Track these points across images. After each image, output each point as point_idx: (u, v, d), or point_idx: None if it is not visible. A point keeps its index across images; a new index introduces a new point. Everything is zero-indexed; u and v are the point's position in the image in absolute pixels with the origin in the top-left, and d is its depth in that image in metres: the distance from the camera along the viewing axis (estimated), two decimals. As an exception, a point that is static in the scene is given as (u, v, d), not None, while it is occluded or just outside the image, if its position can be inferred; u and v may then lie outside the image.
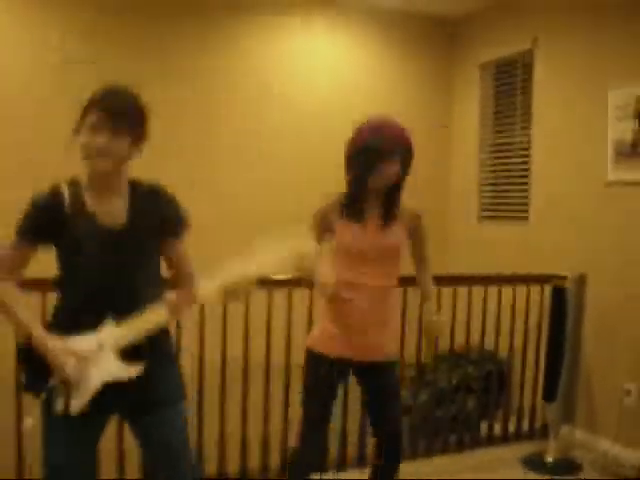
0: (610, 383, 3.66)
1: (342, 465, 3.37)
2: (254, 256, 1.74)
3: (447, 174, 5.14)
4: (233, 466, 3.27)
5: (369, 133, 2.24)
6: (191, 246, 1.96)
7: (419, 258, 2.49)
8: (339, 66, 4.76)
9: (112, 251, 1.76)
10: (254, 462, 3.31)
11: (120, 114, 1.73)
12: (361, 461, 3.43)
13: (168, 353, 1.94)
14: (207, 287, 1.77)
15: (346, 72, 4.78)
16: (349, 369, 2.39)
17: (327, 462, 3.14)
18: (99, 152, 1.71)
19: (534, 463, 3.53)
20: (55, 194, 1.75)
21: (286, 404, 3.31)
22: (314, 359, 2.34)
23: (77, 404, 1.75)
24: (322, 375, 2.31)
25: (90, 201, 1.77)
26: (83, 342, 1.74)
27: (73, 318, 1.77)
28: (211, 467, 3.24)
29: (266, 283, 3.24)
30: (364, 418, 3.36)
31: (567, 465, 3.52)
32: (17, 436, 2.81)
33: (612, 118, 3.67)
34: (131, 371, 1.76)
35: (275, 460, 3.33)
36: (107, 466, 3.01)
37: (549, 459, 3.54)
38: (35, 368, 1.76)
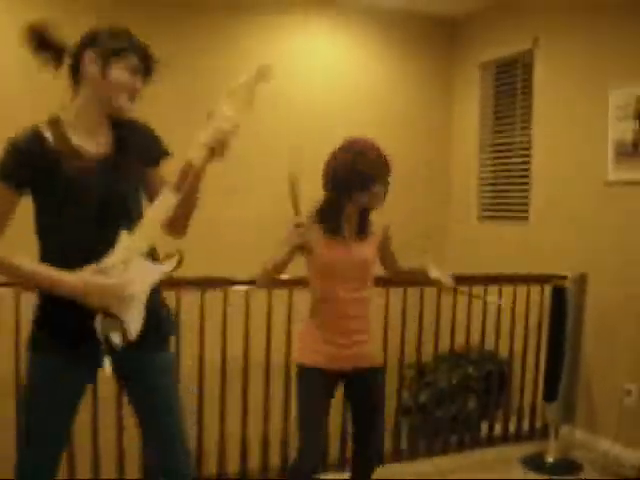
0: (610, 383, 3.66)
1: (342, 465, 3.36)
2: (220, 105, 1.78)
3: (447, 174, 5.14)
4: (233, 466, 3.28)
5: (361, 154, 2.28)
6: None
7: (391, 264, 2.55)
8: (339, 66, 4.76)
9: (105, 180, 1.75)
10: (254, 462, 3.31)
11: (152, 64, 1.83)
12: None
13: (167, 331, 1.95)
14: (193, 150, 1.77)
15: (346, 72, 4.78)
16: (338, 380, 2.40)
17: (326, 463, 3.15)
18: (133, 95, 1.77)
19: (534, 463, 3.53)
20: (37, 135, 1.72)
21: (286, 403, 3.31)
22: (305, 372, 2.37)
23: (134, 326, 1.72)
24: (314, 387, 2.34)
25: (75, 138, 1.75)
26: (109, 262, 1.68)
27: (72, 259, 1.69)
28: (211, 467, 3.24)
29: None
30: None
31: (567, 465, 3.52)
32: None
33: (612, 118, 3.67)
34: (167, 267, 1.77)
35: (275, 460, 3.33)
36: (107, 466, 3.02)
37: (549, 459, 3.54)
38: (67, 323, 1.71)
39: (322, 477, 2.65)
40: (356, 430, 2.46)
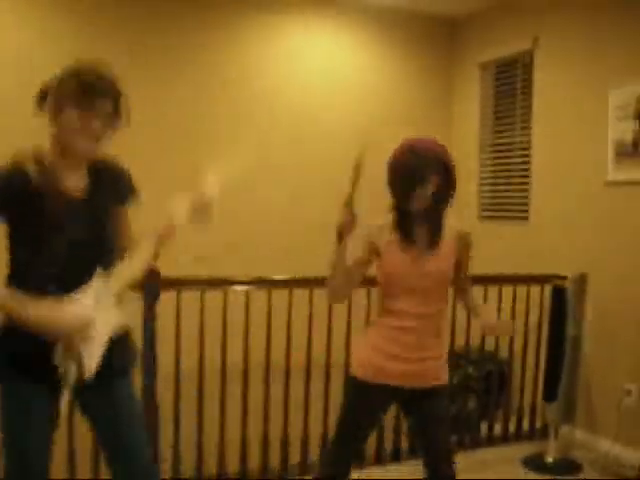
0: (610, 383, 3.66)
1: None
2: (210, 178, 1.91)
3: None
4: (233, 467, 3.27)
5: (399, 156, 2.14)
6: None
7: (463, 278, 2.38)
8: (338, 65, 4.75)
9: (80, 220, 1.78)
10: (254, 463, 3.30)
11: (116, 101, 1.78)
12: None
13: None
14: (177, 209, 1.85)
15: (346, 71, 4.77)
16: (397, 397, 2.27)
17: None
18: (93, 136, 1.75)
19: (534, 463, 3.52)
20: (20, 171, 1.72)
21: (286, 404, 3.32)
22: (363, 388, 2.21)
23: (91, 365, 1.73)
24: (371, 405, 2.23)
25: (57, 175, 1.77)
26: (78, 300, 1.71)
27: (45, 293, 1.71)
28: (211, 467, 3.23)
29: (266, 283, 3.26)
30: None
31: (567, 465, 3.52)
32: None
33: (612, 118, 3.67)
34: (128, 315, 1.83)
35: (275, 461, 3.33)
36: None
37: (549, 459, 3.54)
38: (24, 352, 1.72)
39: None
40: (425, 450, 2.24)
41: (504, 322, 2.44)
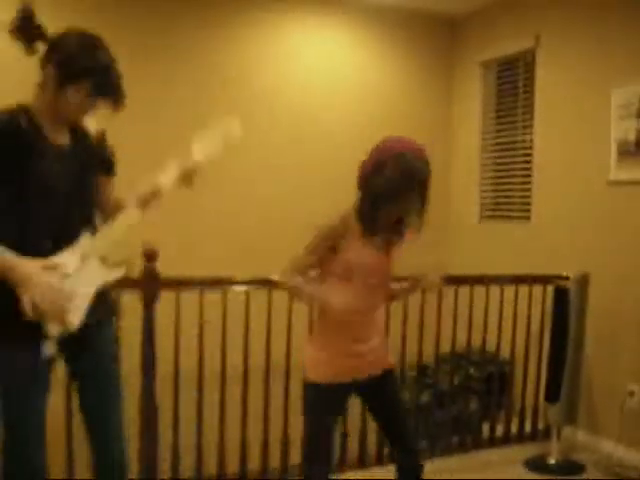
0: (613, 384, 3.64)
1: (342, 465, 3.34)
2: (195, 144, 2.00)
3: (448, 173, 5.11)
4: (232, 467, 3.25)
5: (379, 170, 2.05)
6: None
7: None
8: (339, 64, 4.74)
9: (68, 173, 1.82)
10: (254, 464, 3.29)
11: (115, 84, 1.84)
12: (361, 463, 3.42)
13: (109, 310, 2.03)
14: (165, 175, 1.95)
15: (346, 70, 4.76)
16: (353, 389, 2.28)
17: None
18: (87, 112, 1.83)
19: (537, 465, 3.50)
20: (13, 118, 1.75)
21: (286, 405, 3.30)
22: (324, 392, 2.21)
23: (74, 320, 1.78)
24: (335, 405, 2.25)
25: (44, 128, 1.80)
26: (65, 258, 1.75)
27: (30, 243, 1.73)
28: (210, 469, 3.21)
29: (266, 283, 3.24)
30: (363, 420, 3.35)
31: (570, 467, 3.50)
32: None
33: (615, 117, 3.65)
34: (115, 274, 1.89)
35: (275, 462, 3.31)
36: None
37: (552, 461, 3.52)
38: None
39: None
40: (390, 431, 2.32)
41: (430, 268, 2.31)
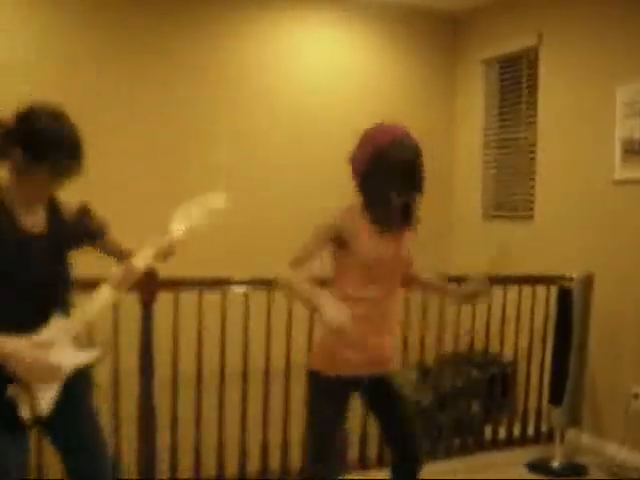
0: (617, 386, 3.60)
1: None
2: (174, 222, 1.97)
3: (451, 172, 5.06)
4: (231, 468, 3.22)
5: (379, 159, 2.07)
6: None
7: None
8: (340, 63, 4.71)
9: (39, 258, 1.78)
10: (253, 464, 3.26)
11: (72, 151, 1.72)
12: (362, 464, 3.39)
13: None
14: (140, 255, 1.92)
15: (348, 68, 4.73)
16: (359, 387, 2.24)
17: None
18: (41, 187, 1.75)
19: (540, 468, 3.46)
20: None
21: (286, 405, 3.27)
22: (325, 383, 2.17)
23: (45, 403, 1.75)
24: (336, 399, 2.18)
25: (16, 212, 1.76)
26: (35, 339, 1.72)
27: (6, 330, 1.68)
28: (210, 470, 3.19)
29: (265, 284, 3.21)
30: (365, 420, 3.31)
31: (573, 470, 3.46)
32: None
33: (620, 115, 3.61)
34: (88, 356, 1.84)
35: (275, 463, 3.28)
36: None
37: (555, 464, 3.48)
38: None
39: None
40: (391, 435, 2.29)
41: (478, 281, 2.31)
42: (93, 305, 1.85)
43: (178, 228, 1.97)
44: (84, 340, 1.91)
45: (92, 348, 1.90)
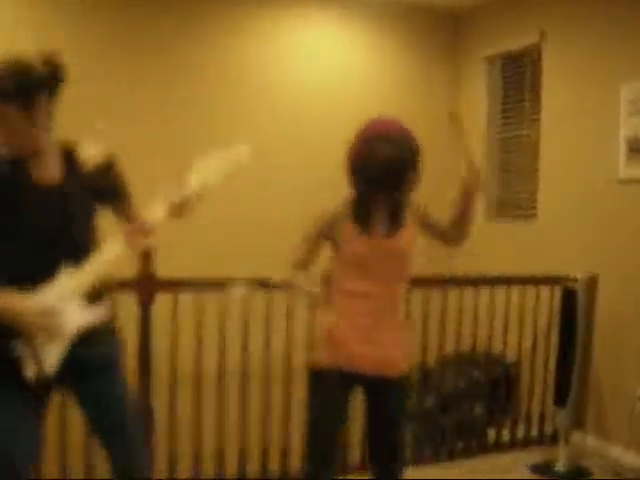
0: (622, 388, 3.56)
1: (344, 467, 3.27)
2: (191, 174, 1.86)
3: (452, 170, 5.02)
4: (231, 469, 3.20)
5: (371, 153, 2.04)
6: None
7: (443, 230, 2.33)
8: (340, 60, 4.69)
9: (51, 210, 1.75)
10: (253, 465, 3.24)
11: (24, 97, 1.70)
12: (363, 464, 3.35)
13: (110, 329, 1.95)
14: (153, 208, 1.83)
15: (348, 66, 4.71)
16: (358, 386, 2.20)
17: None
18: (8, 135, 1.70)
19: (544, 471, 3.43)
20: None
21: (286, 406, 3.26)
22: (321, 376, 2.15)
23: (51, 363, 1.70)
24: (332, 392, 2.14)
25: (28, 163, 1.75)
26: (43, 297, 1.69)
27: (13, 279, 1.68)
28: (209, 470, 3.17)
29: (265, 286, 3.18)
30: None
31: (578, 472, 3.42)
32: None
33: (624, 113, 3.57)
34: (96, 314, 1.77)
35: (274, 463, 3.26)
36: (102, 466, 2.94)
37: (559, 466, 3.44)
38: None
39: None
40: (372, 445, 2.27)
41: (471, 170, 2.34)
42: (101, 261, 1.77)
43: (195, 180, 1.85)
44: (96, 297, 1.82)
45: (98, 306, 1.81)
